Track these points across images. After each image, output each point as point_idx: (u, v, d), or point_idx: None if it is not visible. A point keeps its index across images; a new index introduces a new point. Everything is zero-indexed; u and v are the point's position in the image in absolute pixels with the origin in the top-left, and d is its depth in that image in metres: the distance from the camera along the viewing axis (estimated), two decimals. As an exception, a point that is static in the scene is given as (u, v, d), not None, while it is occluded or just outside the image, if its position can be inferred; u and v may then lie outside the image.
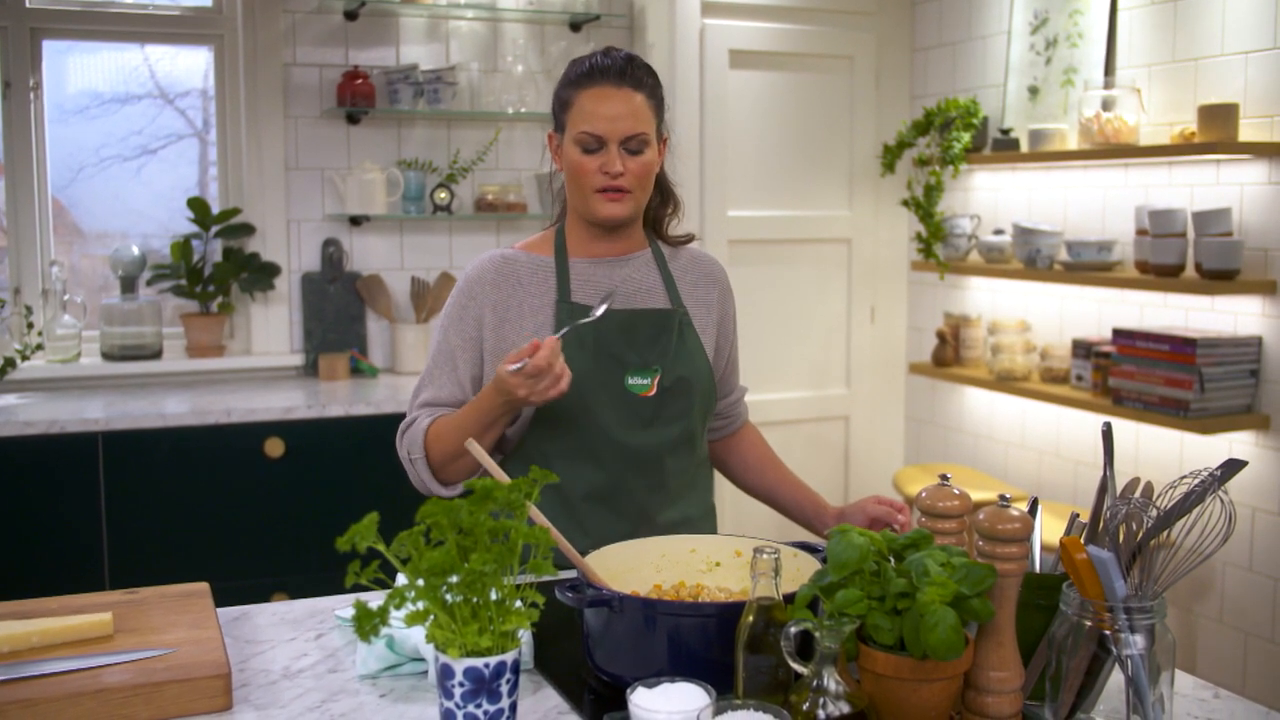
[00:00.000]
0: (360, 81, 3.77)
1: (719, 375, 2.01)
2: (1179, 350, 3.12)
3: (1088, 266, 3.46)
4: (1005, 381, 3.76)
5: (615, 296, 1.85)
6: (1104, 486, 1.29)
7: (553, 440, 1.85)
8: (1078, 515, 1.36)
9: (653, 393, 1.85)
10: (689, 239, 2.04)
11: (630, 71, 1.84)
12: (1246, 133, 3.11)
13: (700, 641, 1.32)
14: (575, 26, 4.07)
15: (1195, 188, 3.29)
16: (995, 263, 3.85)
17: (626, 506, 1.86)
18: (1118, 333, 3.33)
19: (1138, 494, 1.24)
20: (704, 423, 1.96)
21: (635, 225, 1.95)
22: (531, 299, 1.87)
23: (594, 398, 1.82)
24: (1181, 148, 3.17)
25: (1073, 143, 3.62)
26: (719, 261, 2.07)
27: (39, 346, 3.61)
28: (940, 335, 4.09)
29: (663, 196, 2.01)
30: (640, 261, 1.94)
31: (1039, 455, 3.90)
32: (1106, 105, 3.41)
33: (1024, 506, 1.37)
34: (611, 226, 1.89)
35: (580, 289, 1.88)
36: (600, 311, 1.80)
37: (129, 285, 3.70)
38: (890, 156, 4.08)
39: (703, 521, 1.98)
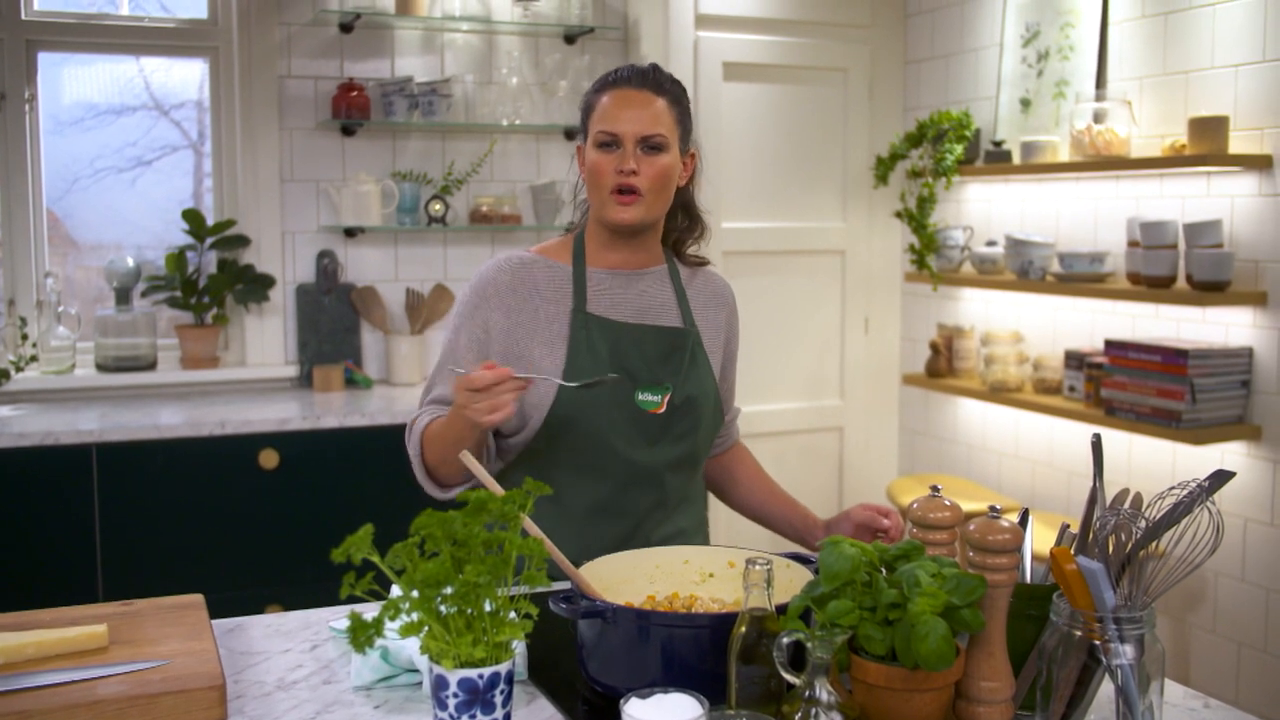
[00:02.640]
0: (355, 94, 3.78)
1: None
2: (1171, 361, 3.13)
3: (1080, 278, 3.47)
4: (998, 392, 3.77)
5: (617, 370, 1.82)
6: (1093, 497, 1.30)
7: (557, 451, 1.84)
8: (1068, 526, 1.37)
9: (662, 410, 1.84)
10: (704, 262, 2.04)
11: (652, 76, 1.85)
12: (1237, 145, 3.13)
13: (693, 652, 1.32)
14: (570, 39, 4.09)
15: (1186, 200, 3.31)
16: (988, 274, 3.86)
17: (625, 521, 1.86)
18: (1110, 344, 3.34)
19: (1127, 505, 1.25)
20: (709, 443, 1.97)
21: (653, 238, 1.93)
22: (547, 306, 1.86)
23: (604, 410, 1.81)
24: (1172, 160, 3.19)
25: (1064, 155, 3.63)
26: (729, 284, 2.07)
27: (33, 358, 3.61)
28: (933, 346, 4.10)
29: (691, 220, 2.00)
30: (655, 277, 1.94)
31: (1032, 466, 3.91)
32: (1098, 117, 3.43)
33: (1015, 517, 1.38)
34: (624, 232, 1.87)
35: (596, 300, 1.87)
36: (597, 379, 1.78)
37: (123, 297, 3.71)
38: (883, 168, 4.10)
39: (696, 534, 1.98)
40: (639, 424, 1.83)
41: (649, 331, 1.88)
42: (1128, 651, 1.18)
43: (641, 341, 1.86)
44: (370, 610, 1.28)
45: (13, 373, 3.53)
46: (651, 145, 1.81)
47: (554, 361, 1.83)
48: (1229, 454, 3.21)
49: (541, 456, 1.86)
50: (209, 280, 3.74)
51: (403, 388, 3.85)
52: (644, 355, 1.86)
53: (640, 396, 1.84)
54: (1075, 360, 3.54)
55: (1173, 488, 1.21)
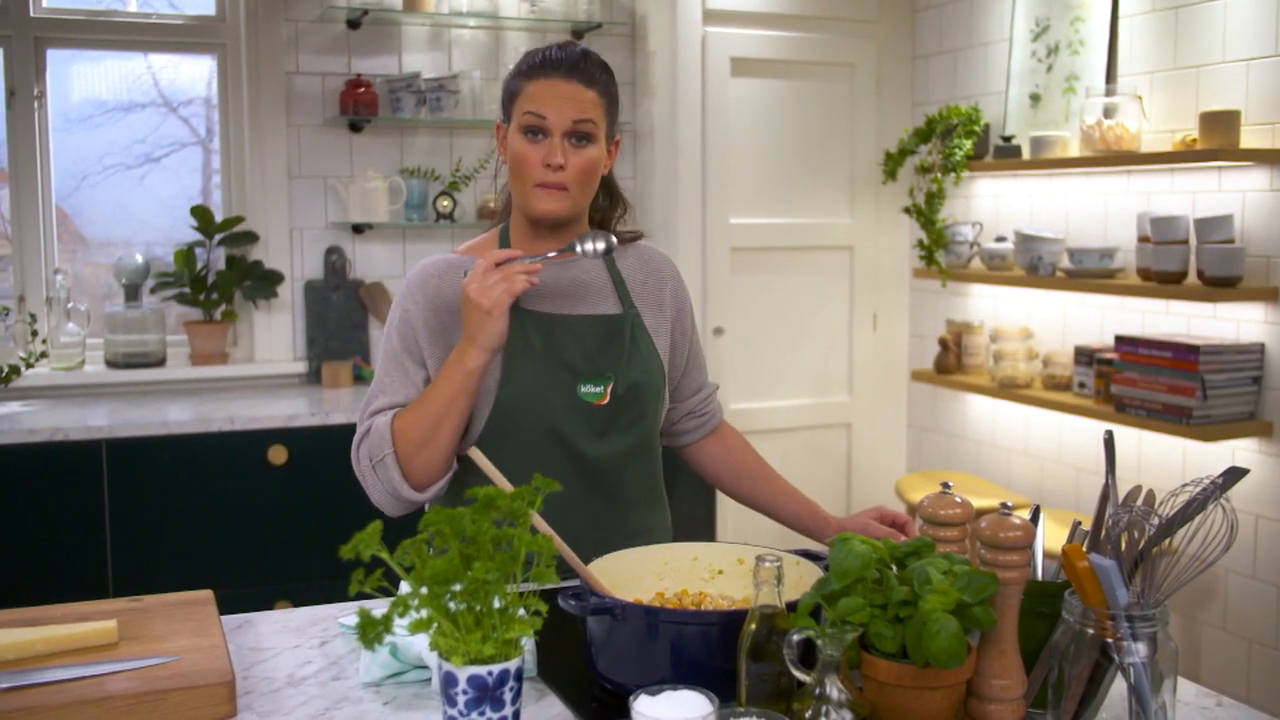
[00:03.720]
0: (363, 90, 3.78)
1: (680, 372, 1.97)
2: (1181, 357, 3.12)
3: (1090, 274, 3.46)
4: (1008, 389, 3.76)
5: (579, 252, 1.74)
6: (1106, 494, 1.29)
7: (505, 449, 1.76)
8: (1080, 523, 1.36)
9: (606, 401, 1.80)
10: (637, 236, 1.97)
11: (583, 66, 1.77)
12: (1248, 140, 3.11)
13: (703, 649, 1.32)
14: (577, 34, 4.09)
15: (1197, 195, 3.30)
16: (997, 270, 3.85)
17: (583, 517, 1.79)
18: (1120, 340, 3.33)
19: (1139, 502, 1.24)
20: (657, 429, 1.91)
21: (580, 224, 1.88)
22: None
23: (546, 405, 1.76)
24: (1183, 155, 3.17)
25: (1074, 150, 3.62)
26: (668, 256, 2.01)
27: (43, 354, 3.62)
28: (942, 342, 4.09)
29: (611, 198, 1.95)
30: (587, 261, 1.88)
31: (1041, 462, 3.90)
32: (1108, 112, 3.42)
33: (1026, 514, 1.37)
34: (549, 224, 1.81)
35: (528, 294, 1.80)
36: (583, 248, 1.73)
37: (133, 293, 3.71)
38: (892, 164, 4.09)
39: (661, 534, 1.92)
40: (585, 416, 1.78)
41: (585, 322, 1.82)
42: (1140, 649, 1.17)
43: (578, 333, 1.81)
44: (379, 607, 1.28)
45: (23, 369, 3.54)
46: (579, 138, 1.76)
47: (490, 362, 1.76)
48: (1240, 450, 3.20)
49: (491, 457, 1.74)
50: (217, 277, 3.74)
51: (411, 384, 3.84)
52: (582, 347, 1.80)
53: (583, 389, 1.79)
54: (1085, 356, 3.53)
55: (1186, 484, 1.20)
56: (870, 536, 1.72)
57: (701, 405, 2.02)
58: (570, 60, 1.77)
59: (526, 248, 1.85)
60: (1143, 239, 3.33)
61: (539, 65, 1.77)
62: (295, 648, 1.56)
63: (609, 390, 1.80)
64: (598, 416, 1.80)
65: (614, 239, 1.74)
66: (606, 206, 1.95)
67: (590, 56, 1.80)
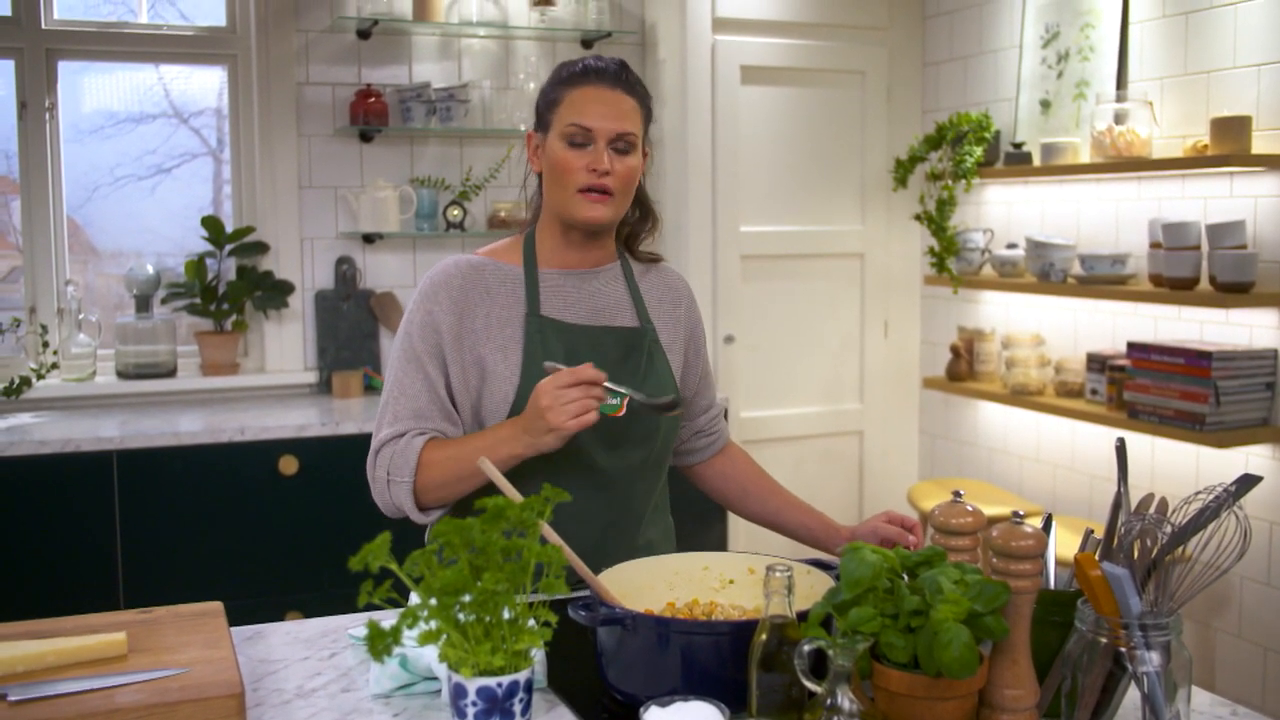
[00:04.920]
0: (373, 100, 3.79)
1: (692, 391, 1.98)
2: (1194, 363, 3.11)
3: (1101, 280, 3.45)
4: (1019, 395, 3.75)
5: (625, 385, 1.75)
6: (1118, 502, 1.29)
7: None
8: (1092, 531, 1.35)
9: (622, 413, 1.79)
10: (656, 259, 1.99)
11: (624, 76, 1.82)
12: (1259, 145, 3.10)
13: (714, 660, 1.31)
14: (587, 44, 4.09)
15: (1208, 200, 3.29)
16: (1009, 276, 3.84)
17: (590, 529, 1.79)
18: (1132, 346, 3.31)
19: (1152, 510, 1.24)
20: (670, 445, 1.92)
21: (608, 236, 1.89)
22: (499, 310, 1.81)
23: None
24: (1194, 160, 3.16)
25: (1085, 156, 3.61)
26: (683, 276, 2.03)
27: (54, 365, 3.63)
28: (954, 349, 4.08)
29: (642, 212, 1.96)
30: (609, 275, 1.90)
31: (1054, 469, 3.88)
32: (1119, 118, 3.41)
33: (1038, 522, 1.37)
34: (590, 231, 1.83)
35: (550, 302, 1.82)
36: (657, 401, 1.75)
37: (144, 304, 3.72)
38: (902, 171, 4.08)
39: (664, 544, 1.93)
40: (599, 427, 1.77)
41: (605, 333, 1.84)
42: (1154, 658, 1.16)
43: (598, 344, 1.82)
44: (389, 618, 1.27)
45: (34, 380, 3.55)
46: (622, 146, 1.78)
47: (509, 367, 1.78)
48: (1253, 457, 3.18)
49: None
50: (228, 287, 3.75)
51: (421, 393, 3.85)
52: (601, 358, 1.80)
53: None
54: (1097, 363, 3.52)
55: (1199, 492, 1.19)
56: (880, 539, 1.74)
57: (710, 424, 2.04)
58: (613, 70, 1.81)
59: (554, 259, 1.86)
60: (1154, 245, 3.32)
61: (581, 74, 1.80)
62: (305, 659, 1.56)
63: (625, 404, 1.79)
64: (612, 428, 1.80)
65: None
66: (636, 220, 1.96)
67: (629, 68, 1.84)
